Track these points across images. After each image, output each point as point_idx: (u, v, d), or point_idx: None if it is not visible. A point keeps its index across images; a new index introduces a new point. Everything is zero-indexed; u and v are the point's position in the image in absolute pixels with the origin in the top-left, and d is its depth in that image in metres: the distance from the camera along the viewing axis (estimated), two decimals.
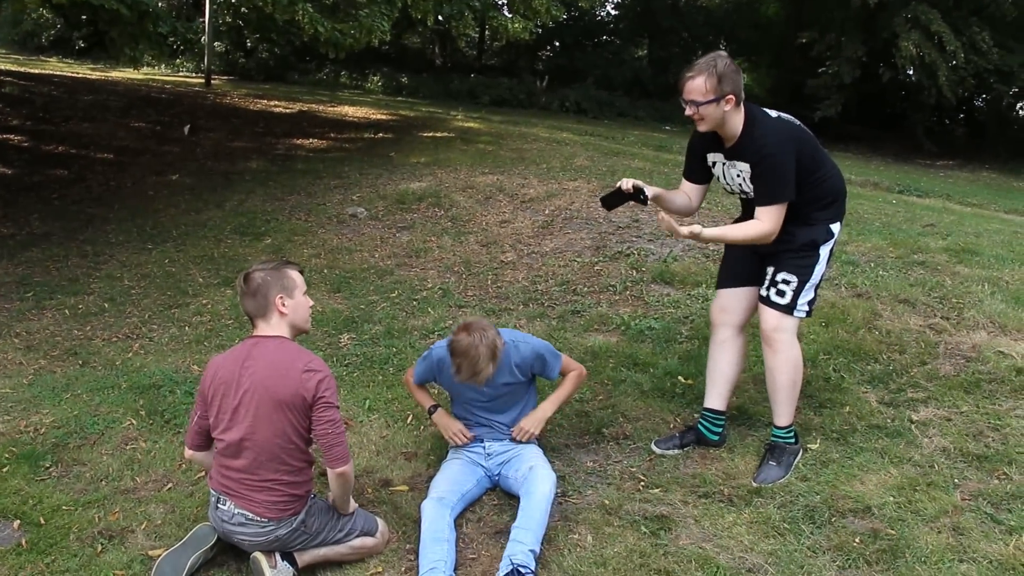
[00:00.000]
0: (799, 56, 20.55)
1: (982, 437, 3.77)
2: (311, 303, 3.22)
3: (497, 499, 3.60)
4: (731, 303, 3.84)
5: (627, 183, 3.57)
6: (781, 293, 3.56)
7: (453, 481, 3.52)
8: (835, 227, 3.61)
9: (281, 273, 3.11)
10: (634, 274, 6.08)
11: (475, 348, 3.39)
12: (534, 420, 3.75)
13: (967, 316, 4.91)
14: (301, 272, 3.23)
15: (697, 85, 3.37)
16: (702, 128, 3.49)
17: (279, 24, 10.46)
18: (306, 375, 2.97)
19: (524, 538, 3.19)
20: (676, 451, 3.90)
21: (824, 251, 3.57)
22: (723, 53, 3.49)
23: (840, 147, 18.68)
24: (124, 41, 8.69)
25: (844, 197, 3.67)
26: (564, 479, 3.72)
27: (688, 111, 3.44)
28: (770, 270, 3.60)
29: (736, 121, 3.45)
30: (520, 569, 3.04)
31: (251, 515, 3.02)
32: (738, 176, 3.55)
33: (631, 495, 3.57)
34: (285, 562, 3.09)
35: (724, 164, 3.61)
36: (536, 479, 3.44)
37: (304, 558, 3.15)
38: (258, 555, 3.05)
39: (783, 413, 3.71)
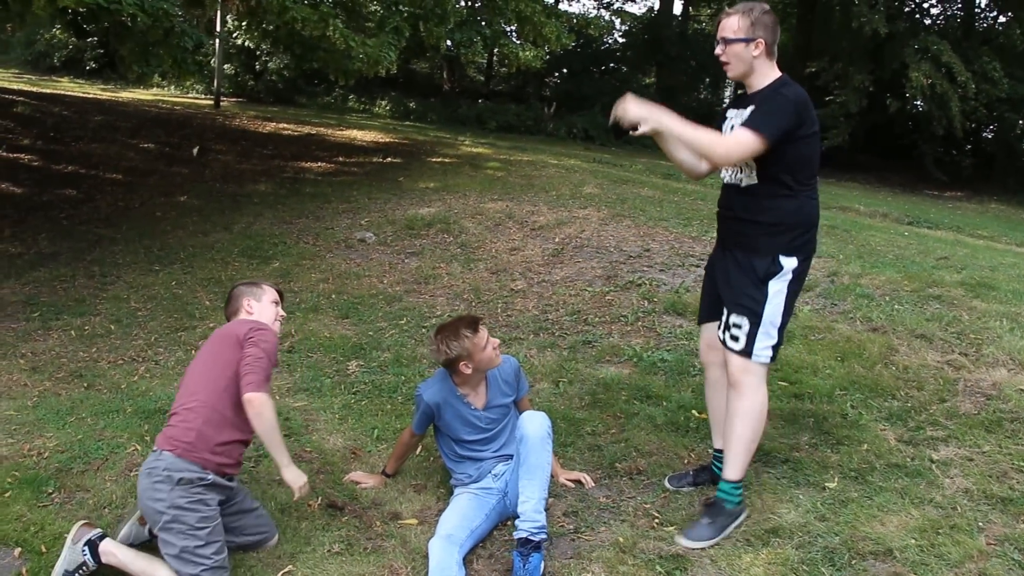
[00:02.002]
0: (807, 85, 20.58)
1: (1006, 479, 3.68)
2: (283, 314, 3.58)
3: (507, 534, 3.52)
4: (715, 339, 3.66)
5: None
6: (735, 338, 3.35)
7: (462, 517, 3.45)
8: (788, 261, 3.30)
9: (255, 285, 3.56)
10: (646, 304, 6.02)
11: (445, 330, 3.62)
12: (573, 473, 3.96)
13: (986, 352, 4.84)
14: (280, 294, 3.61)
15: (730, 22, 3.30)
16: (730, 73, 3.36)
17: (308, 41, 10.49)
18: (246, 323, 3.32)
19: (532, 492, 3.34)
20: (689, 488, 3.82)
21: (773, 287, 3.29)
22: (767, 5, 3.36)
23: (847, 177, 18.69)
24: (133, 59, 8.69)
25: (807, 232, 3.35)
26: (576, 515, 3.64)
27: (717, 50, 3.34)
28: (724, 311, 3.43)
29: (766, 71, 3.31)
30: (531, 539, 3.22)
31: (155, 448, 3.10)
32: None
33: (645, 533, 3.49)
34: (86, 549, 3.07)
35: (733, 118, 3.38)
36: (525, 422, 3.49)
37: (108, 557, 3.07)
38: (78, 524, 3.14)
39: (735, 465, 3.46)
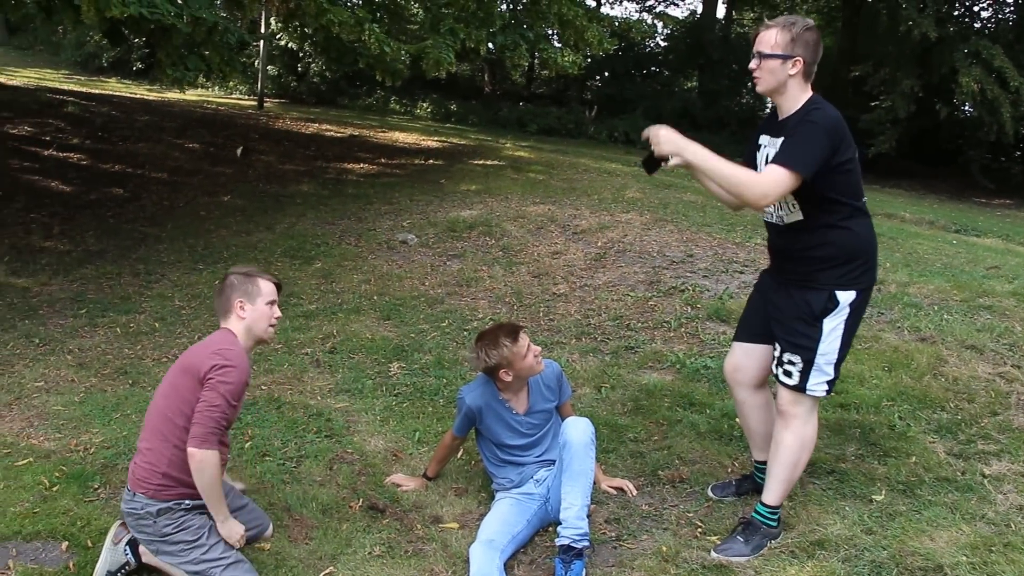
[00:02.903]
0: (851, 89, 20.33)
1: None
2: (278, 315, 3.25)
3: (549, 540, 3.50)
4: (744, 361, 3.58)
5: None
6: (788, 374, 3.24)
7: (503, 522, 3.44)
8: (845, 296, 3.14)
9: (250, 280, 3.19)
10: (689, 310, 5.97)
11: (485, 338, 3.60)
12: (616, 480, 3.93)
13: None
14: (278, 286, 3.28)
15: (768, 36, 3.10)
16: (759, 88, 3.16)
17: (345, 44, 10.56)
18: (211, 356, 2.99)
19: (575, 499, 3.31)
20: (733, 498, 3.77)
21: (828, 324, 3.15)
22: (811, 21, 3.15)
23: (892, 183, 18.39)
24: (168, 63, 8.80)
25: (864, 261, 3.18)
26: (619, 522, 3.62)
27: (751, 64, 3.13)
28: (777, 347, 3.31)
29: (797, 94, 3.12)
30: (573, 546, 3.21)
31: (128, 487, 3.05)
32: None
33: (688, 542, 3.45)
34: (128, 549, 3.10)
35: (767, 145, 3.23)
36: (568, 428, 3.45)
37: (148, 557, 3.11)
38: (116, 524, 3.14)
39: (775, 490, 3.39)
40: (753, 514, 3.45)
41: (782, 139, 3.11)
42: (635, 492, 3.85)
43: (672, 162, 3.11)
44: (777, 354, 3.31)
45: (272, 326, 3.23)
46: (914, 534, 3.39)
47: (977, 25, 20.22)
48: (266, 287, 3.20)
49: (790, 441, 3.31)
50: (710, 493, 3.81)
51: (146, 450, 3.03)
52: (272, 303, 3.21)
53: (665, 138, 3.08)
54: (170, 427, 2.99)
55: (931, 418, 4.34)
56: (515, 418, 3.68)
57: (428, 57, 9.78)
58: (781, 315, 3.30)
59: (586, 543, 3.24)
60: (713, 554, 3.34)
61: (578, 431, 3.42)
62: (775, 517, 3.41)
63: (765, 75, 3.13)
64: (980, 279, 6.54)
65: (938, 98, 18.41)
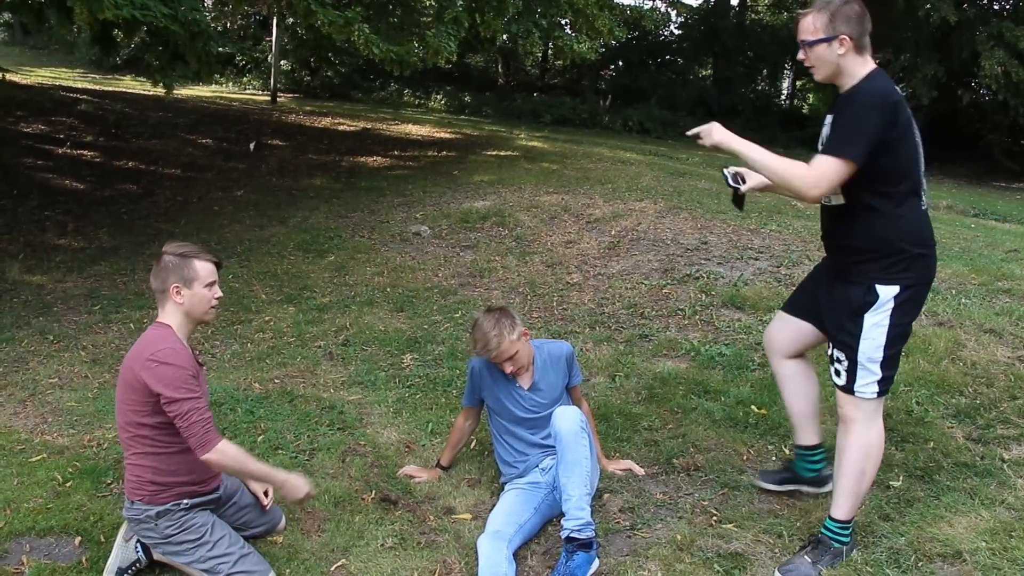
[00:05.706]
0: None
1: None
2: (218, 295, 3.10)
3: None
4: (781, 334, 3.46)
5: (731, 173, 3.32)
6: (837, 373, 3.08)
7: (509, 513, 3.41)
8: (886, 290, 2.94)
9: (185, 262, 3.03)
10: (703, 298, 5.92)
11: (485, 323, 3.56)
12: (621, 462, 3.93)
13: None
14: (218, 264, 3.13)
15: (807, 23, 2.94)
16: (817, 77, 2.97)
17: (336, 45, 10.55)
18: (145, 365, 2.89)
19: (573, 489, 3.27)
20: (775, 487, 3.61)
21: (869, 320, 2.96)
22: None
23: None
24: (157, 69, 8.86)
25: (910, 255, 2.94)
26: (633, 511, 3.58)
27: (800, 55, 2.98)
28: (829, 344, 3.18)
29: (856, 71, 2.92)
30: (575, 536, 3.17)
31: (126, 496, 3.06)
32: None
33: (703, 530, 3.41)
34: (139, 547, 3.10)
35: (827, 124, 3.02)
36: (557, 419, 3.40)
37: (159, 555, 3.13)
38: (127, 522, 3.13)
39: (842, 504, 3.14)
40: (822, 530, 3.20)
41: (831, 117, 2.99)
42: (642, 472, 3.82)
43: (746, 186, 3.16)
44: (829, 351, 3.18)
45: (213, 307, 3.10)
46: (932, 520, 3.34)
47: (996, 7, 19.95)
48: (203, 269, 3.04)
49: (853, 448, 3.10)
50: (758, 482, 3.66)
51: (129, 464, 3.04)
52: (211, 284, 3.06)
53: (715, 135, 3.09)
54: (137, 441, 2.97)
55: (949, 403, 4.28)
56: (519, 391, 3.65)
57: (428, 47, 9.73)
58: (829, 306, 3.18)
59: (590, 532, 3.19)
60: (777, 572, 3.13)
61: (566, 420, 3.36)
62: (847, 532, 3.17)
63: (817, 63, 2.97)
64: (999, 263, 6.46)
65: (956, 83, 18.18)
